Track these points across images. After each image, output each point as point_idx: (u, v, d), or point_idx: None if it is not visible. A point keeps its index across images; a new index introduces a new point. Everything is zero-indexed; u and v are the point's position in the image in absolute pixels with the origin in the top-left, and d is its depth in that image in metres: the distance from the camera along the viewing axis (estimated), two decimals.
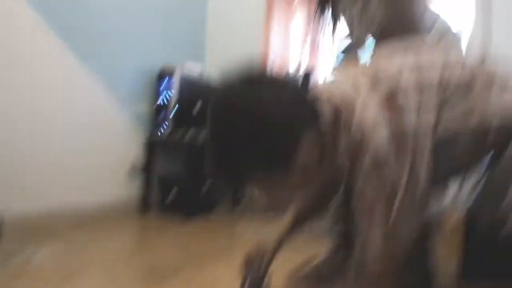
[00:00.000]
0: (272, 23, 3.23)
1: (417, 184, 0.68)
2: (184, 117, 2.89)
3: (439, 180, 0.72)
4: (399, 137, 0.67)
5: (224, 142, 0.74)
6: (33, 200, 2.21)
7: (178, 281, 1.55)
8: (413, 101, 0.69)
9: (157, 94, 2.93)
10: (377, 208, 0.69)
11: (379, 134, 0.67)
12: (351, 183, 0.73)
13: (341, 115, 0.73)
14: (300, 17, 3.24)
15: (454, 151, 0.73)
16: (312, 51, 3.10)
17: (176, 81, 2.84)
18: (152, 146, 2.93)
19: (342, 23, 1.29)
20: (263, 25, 3.25)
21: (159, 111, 2.91)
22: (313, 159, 0.74)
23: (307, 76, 2.76)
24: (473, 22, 2.51)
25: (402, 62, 0.75)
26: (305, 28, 3.15)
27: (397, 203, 0.67)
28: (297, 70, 3.01)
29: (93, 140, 2.55)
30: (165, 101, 2.89)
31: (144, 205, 2.88)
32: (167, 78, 2.91)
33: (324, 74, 2.97)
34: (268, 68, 1.80)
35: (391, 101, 0.68)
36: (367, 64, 0.86)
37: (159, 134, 2.89)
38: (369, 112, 0.68)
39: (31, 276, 1.51)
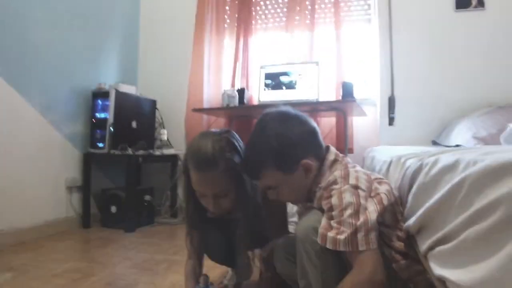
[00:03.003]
0: (202, 45, 3.42)
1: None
2: (121, 134, 2.95)
3: None
4: (353, 203, 0.96)
5: (258, 144, 1.10)
6: None
7: None
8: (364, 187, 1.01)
9: (92, 113, 2.97)
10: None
11: (346, 196, 0.96)
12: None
13: (335, 165, 1.09)
14: (230, 38, 3.46)
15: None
16: (244, 69, 3.32)
17: (111, 100, 2.90)
18: (90, 163, 2.94)
19: None
20: (192, 47, 3.44)
21: (95, 129, 2.95)
22: (308, 172, 1.07)
23: (241, 91, 3.00)
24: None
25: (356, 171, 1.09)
26: (235, 49, 3.36)
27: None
28: (231, 87, 3.23)
29: (29, 162, 2.52)
30: (101, 120, 2.93)
31: (85, 221, 2.88)
32: (101, 98, 2.97)
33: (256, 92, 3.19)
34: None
35: (354, 188, 0.98)
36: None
37: (97, 151, 2.91)
38: (345, 187, 0.99)
39: None
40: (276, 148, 1.06)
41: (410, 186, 1.07)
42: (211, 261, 1.49)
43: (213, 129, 1.32)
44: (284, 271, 1.26)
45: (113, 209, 2.94)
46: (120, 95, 2.99)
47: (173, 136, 3.38)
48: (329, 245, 0.92)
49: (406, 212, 1.08)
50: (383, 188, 1.04)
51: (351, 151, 2.97)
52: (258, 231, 1.32)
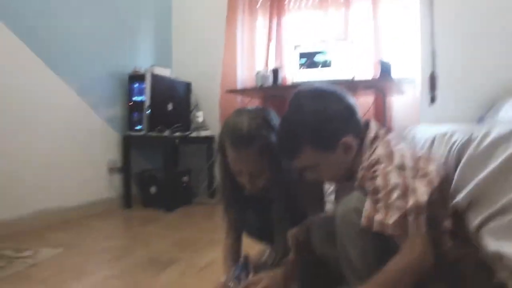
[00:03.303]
0: (235, 25, 3.39)
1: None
2: (158, 116, 3.01)
3: None
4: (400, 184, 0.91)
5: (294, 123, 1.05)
6: (19, 205, 2.27)
7: (177, 267, 1.63)
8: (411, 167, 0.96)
9: (130, 96, 3.04)
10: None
11: (392, 176, 0.92)
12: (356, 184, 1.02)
13: (375, 142, 1.03)
14: (263, 18, 3.40)
15: None
16: (277, 50, 3.28)
17: (148, 83, 2.95)
18: (129, 146, 3.02)
19: None
20: (224, 29, 3.42)
21: (132, 112, 3.03)
22: (349, 150, 1.03)
23: (275, 71, 2.95)
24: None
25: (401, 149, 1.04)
26: (268, 29, 3.31)
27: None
28: (265, 68, 3.19)
29: (72, 145, 2.63)
30: (138, 103, 3.00)
31: (126, 201, 2.98)
32: (137, 81, 3.01)
33: (289, 71, 3.16)
34: None
35: (400, 168, 0.94)
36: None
37: (135, 133, 2.99)
38: (390, 167, 0.94)
39: (35, 280, 1.51)
40: (313, 125, 1.02)
41: (458, 161, 1.02)
42: (248, 239, 1.50)
43: (248, 107, 1.30)
44: (321, 249, 1.24)
45: (153, 190, 3.01)
46: (155, 78, 3.03)
47: (208, 118, 3.41)
48: (376, 229, 0.88)
49: (453, 188, 1.03)
50: (432, 167, 0.98)
51: (390, 130, 2.88)
52: (294, 209, 1.30)
